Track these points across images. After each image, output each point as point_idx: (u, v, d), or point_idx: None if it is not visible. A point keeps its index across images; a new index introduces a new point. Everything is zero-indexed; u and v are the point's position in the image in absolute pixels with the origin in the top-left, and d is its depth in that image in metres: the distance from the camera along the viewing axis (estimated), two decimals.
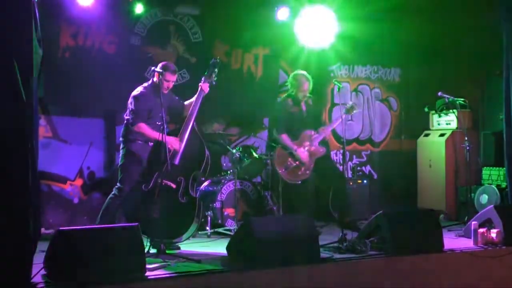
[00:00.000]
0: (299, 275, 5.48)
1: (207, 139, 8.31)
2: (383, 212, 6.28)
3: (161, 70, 6.41)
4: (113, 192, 6.46)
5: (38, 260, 5.00)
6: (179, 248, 6.38)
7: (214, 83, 6.68)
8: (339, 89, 7.19)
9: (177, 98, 6.79)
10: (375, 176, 10.18)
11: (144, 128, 6.36)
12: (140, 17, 8.21)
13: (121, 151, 6.54)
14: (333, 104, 9.79)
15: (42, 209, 7.49)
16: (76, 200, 8.17)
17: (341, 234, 6.40)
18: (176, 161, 6.25)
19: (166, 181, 6.14)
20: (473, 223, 6.70)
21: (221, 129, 8.46)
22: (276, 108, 7.83)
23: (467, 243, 6.67)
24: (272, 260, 5.46)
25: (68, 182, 8.12)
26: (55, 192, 8.03)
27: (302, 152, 7.32)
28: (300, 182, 7.49)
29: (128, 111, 6.52)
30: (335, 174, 7.61)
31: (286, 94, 7.77)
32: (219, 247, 6.42)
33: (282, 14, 8.85)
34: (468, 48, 9.43)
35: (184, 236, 6.27)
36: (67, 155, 8.06)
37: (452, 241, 6.86)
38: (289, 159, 7.41)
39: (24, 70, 4.59)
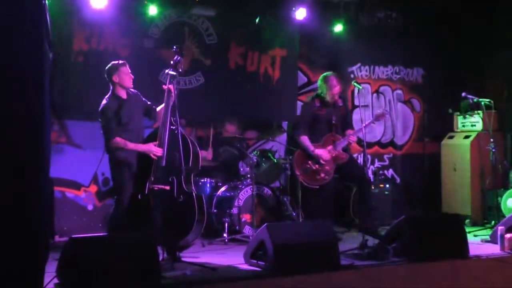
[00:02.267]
0: (318, 282, 5.45)
1: (225, 143, 8.36)
2: (406, 217, 6.22)
3: (115, 71, 6.39)
4: (113, 207, 6.44)
5: (51, 268, 5.02)
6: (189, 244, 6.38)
7: (181, 70, 6.49)
8: (358, 90, 7.15)
9: (144, 99, 6.66)
10: (398, 180, 10.10)
11: (120, 142, 6.31)
12: (154, 19, 8.23)
13: (109, 163, 6.48)
14: (353, 106, 9.73)
15: (56, 216, 7.53)
16: (90, 207, 8.21)
17: (362, 240, 6.36)
18: (163, 163, 6.22)
19: (159, 186, 6.13)
20: (500, 228, 6.61)
21: (235, 130, 8.42)
22: (301, 109, 7.73)
23: (493, 249, 6.59)
24: (290, 267, 5.44)
25: (82, 188, 8.16)
26: (69, 199, 8.08)
27: (323, 152, 7.21)
28: (318, 187, 7.41)
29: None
30: (359, 178, 7.49)
31: (314, 94, 7.69)
32: (236, 254, 6.41)
33: (300, 14, 8.83)
34: (492, 46, 9.36)
35: (191, 235, 6.21)
36: (81, 161, 8.10)
37: (478, 247, 6.79)
38: (309, 161, 7.32)
39: (35, 74, 4.61)
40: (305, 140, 7.33)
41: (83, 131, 8.07)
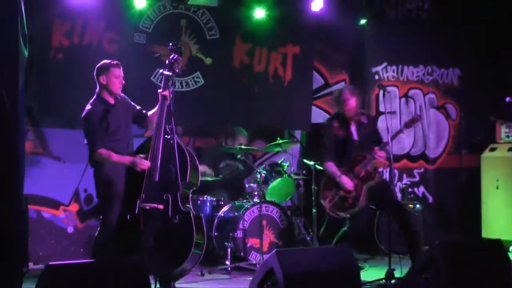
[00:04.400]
0: None
1: (227, 155, 8.37)
2: (440, 242, 6.20)
3: (104, 71, 6.35)
4: (98, 228, 6.44)
5: None
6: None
7: (178, 71, 6.50)
8: (384, 94, 7.14)
9: (133, 104, 6.67)
10: (430, 199, 10.09)
11: (104, 154, 6.32)
12: (145, 10, 8.26)
13: (94, 178, 6.45)
14: (378, 113, 9.73)
15: (30, 240, 7.53)
16: (70, 229, 8.22)
17: (388, 269, 6.36)
18: (156, 178, 6.23)
19: (151, 204, 6.14)
20: None
21: (239, 140, 8.43)
22: (323, 133, 7.69)
23: None
24: None
25: (61, 207, 8.18)
26: (45, 220, 8.09)
27: (347, 179, 7.19)
28: (349, 216, 7.36)
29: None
30: (392, 206, 7.43)
31: (333, 114, 7.70)
32: (240, 285, 6.43)
33: (316, 5, 8.85)
34: None
35: (188, 262, 6.20)
36: (60, 175, 8.13)
37: None
38: (334, 189, 7.28)
39: (8, 74, 4.63)
40: (331, 166, 7.27)
41: (63, 140, 8.10)
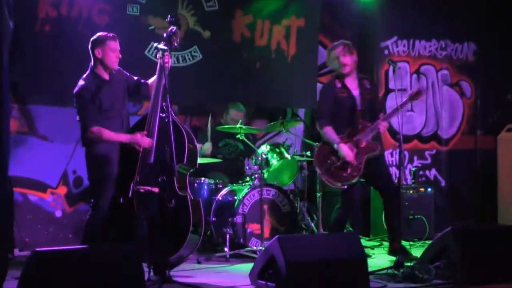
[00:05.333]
0: None
1: (226, 135, 8.35)
2: (453, 229, 6.20)
3: (99, 44, 6.36)
4: (89, 213, 6.45)
5: None
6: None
7: (177, 45, 6.49)
8: (394, 70, 7.12)
9: (129, 75, 6.66)
10: (443, 183, 10.09)
11: (98, 132, 6.27)
12: None
13: (85, 159, 6.44)
14: (388, 90, 9.70)
15: (15, 225, 7.53)
16: (58, 213, 8.22)
17: (397, 257, 6.36)
18: (151, 159, 6.23)
19: (145, 187, 6.13)
20: None
21: (242, 118, 8.38)
22: (321, 93, 7.71)
23: None
24: None
25: (49, 190, 8.17)
26: (32, 203, 8.09)
27: (347, 148, 7.20)
28: (345, 186, 7.39)
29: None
30: (386, 184, 7.47)
31: (334, 74, 7.68)
32: (240, 274, 6.44)
33: None
34: None
35: (184, 249, 6.22)
36: (47, 156, 8.11)
37: None
38: (332, 157, 7.30)
39: None
40: (329, 131, 7.29)
41: (50, 119, 8.08)
